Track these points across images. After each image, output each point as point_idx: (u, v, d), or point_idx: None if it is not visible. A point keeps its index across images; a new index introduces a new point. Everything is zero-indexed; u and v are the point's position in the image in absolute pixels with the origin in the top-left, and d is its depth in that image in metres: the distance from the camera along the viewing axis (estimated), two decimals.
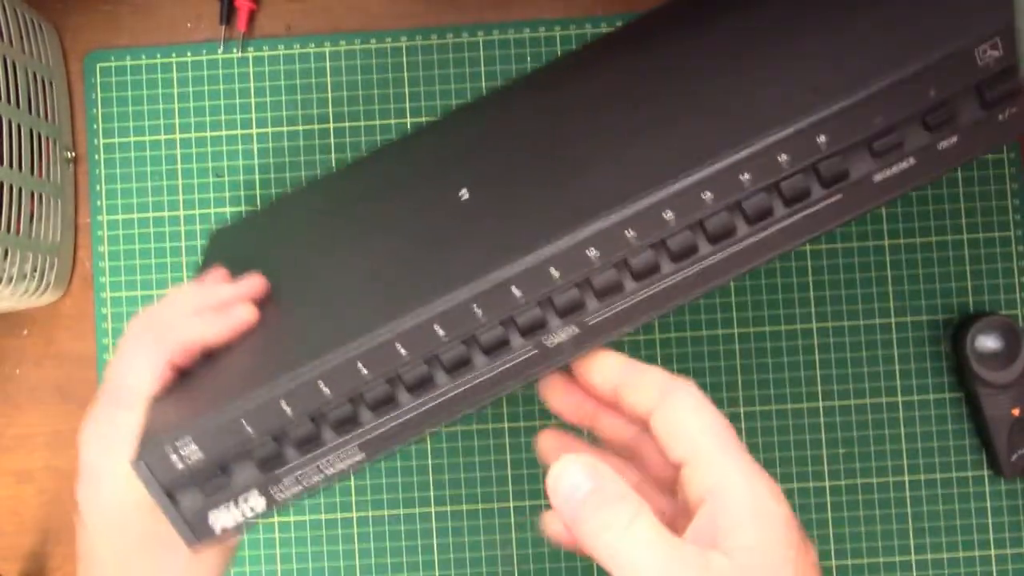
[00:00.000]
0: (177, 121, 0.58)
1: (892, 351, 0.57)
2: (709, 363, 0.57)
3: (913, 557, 0.56)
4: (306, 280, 0.39)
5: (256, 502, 0.30)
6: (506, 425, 0.57)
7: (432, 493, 0.57)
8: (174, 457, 0.29)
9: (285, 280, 0.40)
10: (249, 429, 0.29)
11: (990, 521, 0.56)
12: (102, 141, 0.59)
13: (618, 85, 0.43)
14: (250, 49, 0.59)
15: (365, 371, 0.29)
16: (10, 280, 0.52)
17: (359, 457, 0.30)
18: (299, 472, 0.30)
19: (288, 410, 0.29)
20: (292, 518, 0.57)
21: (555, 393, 0.33)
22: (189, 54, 0.59)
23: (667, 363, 0.57)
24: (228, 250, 0.49)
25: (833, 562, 0.56)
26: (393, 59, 0.59)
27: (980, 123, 0.30)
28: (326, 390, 0.29)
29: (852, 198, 0.30)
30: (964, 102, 0.29)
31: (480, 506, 0.57)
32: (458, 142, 0.48)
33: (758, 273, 0.57)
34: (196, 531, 0.30)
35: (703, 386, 0.57)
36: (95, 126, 0.59)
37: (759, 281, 0.57)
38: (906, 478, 0.56)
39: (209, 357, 0.36)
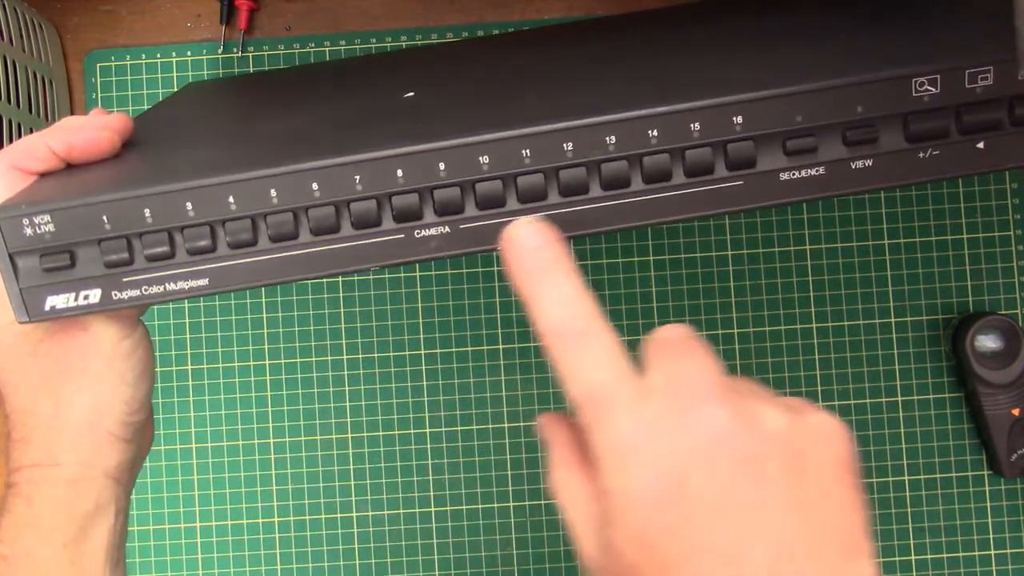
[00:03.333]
0: None
1: (892, 351, 0.57)
2: None
3: (913, 557, 0.56)
4: (221, 136, 0.39)
5: (93, 295, 0.31)
6: (506, 425, 0.57)
7: (432, 493, 0.57)
8: (27, 226, 0.30)
9: (206, 134, 0.40)
10: (107, 224, 0.30)
11: (990, 521, 0.56)
12: None
13: (584, 54, 0.44)
14: (250, 49, 0.59)
15: (234, 204, 0.30)
16: None
17: (203, 282, 0.31)
18: (142, 280, 0.31)
19: (149, 218, 0.30)
20: (292, 518, 0.57)
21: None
22: (189, 54, 0.59)
23: None
24: (184, 101, 0.50)
25: None
26: None
27: (899, 153, 0.29)
28: (191, 210, 0.30)
29: (753, 188, 0.30)
30: (889, 128, 0.29)
31: (480, 506, 0.57)
32: (428, 70, 0.49)
33: (758, 273, 0.57)
34: (29, 306, 0.31)
35: None
36: None
37: (759, 281, 0.57)
38: (906, 478, 0.56)
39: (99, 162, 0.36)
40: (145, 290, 0.31)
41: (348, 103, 0.41)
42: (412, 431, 0.57)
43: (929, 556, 0.56)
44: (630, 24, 0.50)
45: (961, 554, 0.56)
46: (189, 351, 0.57)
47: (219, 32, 0.59)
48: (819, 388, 0.57)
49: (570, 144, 0.29)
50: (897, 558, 0.56)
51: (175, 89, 0.58)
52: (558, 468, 0.27)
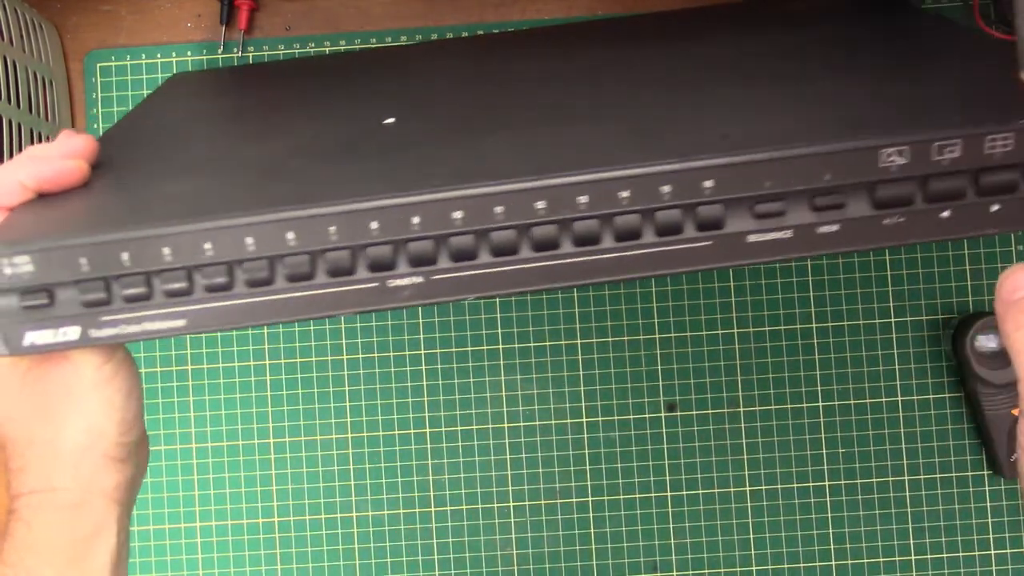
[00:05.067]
0: None
1: (892, 351, 0.57)
2: (709, 363, 0.57)
3: (913, 557, 0.56)
4: (199, 161, 0.39)
5: (71, 332, 0.31)
6: (506, 425, 0.57)
7: (432, 493, 0.57)
8: (6, 266, 0.30)
9: (185, 158, 0.40)
10: (86, 266, 0.30)
11: (990, 521, 0.56)
12: None
13: (566, 73, 0.44)
14: (250, 49, 0.59)
15: (210, 250, 0.30)
16: None
17: (180, 323, 0.31)
18: (120, 320, 0.31)
19: (127, 261, 0.30)
20: (292, 518, 0.57)
21: None
22: (189, 54, 0.59)
23: (667, 362, 0.57)
24: (166, 105, 0.50)
25: (833, 562, 0.56)
26: None
27: (865, 220, 0.30)
28: (168, 255, 0.30)
29: (721, 248, 0.30)
30: (856, 196, 0.30)
31: (480, 506, 0.57)
32: (412, 80, 0.48)
33: (758, 273, 0.57)
34: (8, 341, 0.31)
35: (703, 386, 0.58)
36: (95, 126, 0.59)
37: (759, 281, 0.57)
38: (906, 478, 0.56)
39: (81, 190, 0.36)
40: (123, 329, 0.31)
41: (328, 126, 0.41)
42: (412, 431, 0.57)
43: (929, 556, 0.56)
44: (615, 36, 0.50)
45: (961, 554, 0.56)
46: (189, 351, 0.57)
47: (219, 32, 0.59)
48: (819, 388, 0.57)
49: (542, 202, 0.29)
50: (897, 558, 0.56)
51: None
52: None
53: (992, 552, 0.56)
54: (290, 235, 0.30)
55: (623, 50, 0.46)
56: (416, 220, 0.30)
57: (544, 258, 0.30)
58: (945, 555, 0.56)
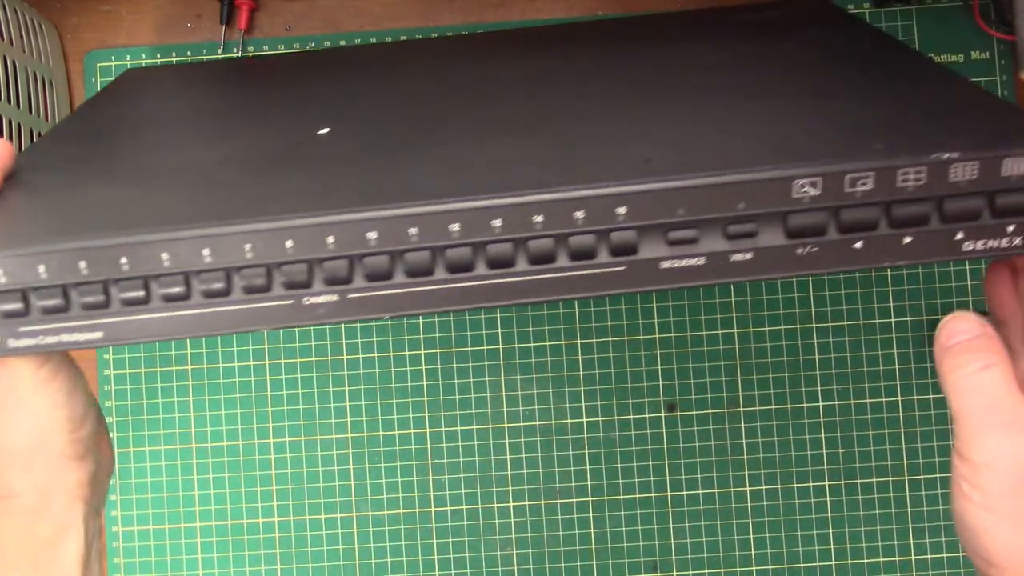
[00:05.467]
0: None
1: (892, 351, 0.57)
2: (709, 363, 0.57)
3: (913, 557, 0.56)
4: (126, 167, 0.39)
5: None
6: (506, 425, 0.57)
7: (432, 493, 0.57)
8: None
9: (115, 161, 0.40)
10: (2, 277, 0.31)
11: None
12: None
13: (510, 87, 0.44)
14: (250, 49, 0.59)
15: (126, 265, 0.30)
16: None
17: (97, 335, 0.31)
18: (37, 331, 0.31)
19: (44, 274, 0.30)
20: (292, 518, 0.57)
21: (996, 280, 0.36)
22: (189, 54, 0.59)
23: (666, 362, 0.57)
24: (118, 95, 0.50)
25: (833, 562, 0.56)
26: None
27: (778, 249, 0.30)
28: (84, 268, 0.30)
29: (635, 274, 0.30)
30: (769, 225, 0.30)
31: (480, 506, 0.57)
32: (358, 85, 0.48)
33: None
34: None
35: (703, 386, 0.58)
36: None
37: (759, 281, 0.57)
38: (906, 478, 0.56)
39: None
40: (40, 340, 0.31)
41: (265, 133, 0.41)
42: (412, 431, 0.57)
43: (929, 556, 0.56)
44: (568, 43, 0.50)
45: (961, 554, 0.56)
46: (189, 351, 0.57)
47: (219, 32, 0.59)
48: (819, 388, 0.57)
49: (457, 225, 0.30)
50: (897, 558, 0.56)
51: None
52: None
53: None
54: (206, 252, 0.30)
55: (572, 59, 0.46)
56: (331, 240, 0.30)
57: (458, 279, 0.31)
58: (945, 555, 0.56)
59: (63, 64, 0.59)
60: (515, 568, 0.57)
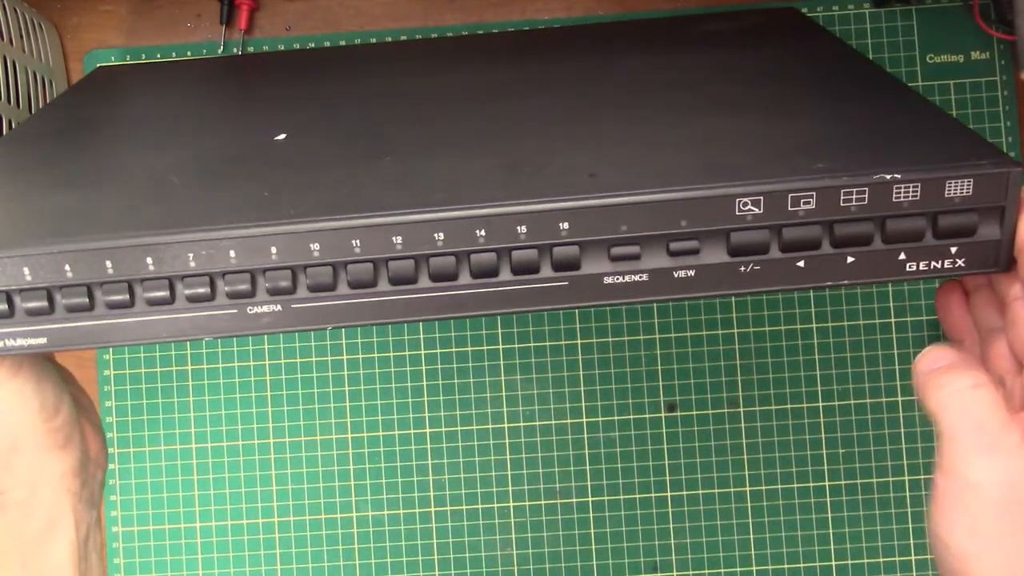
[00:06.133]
0: None
1: (892, 351, 0.57)
2: (709, 363, 0.57)
3: (913, 557, 0.56)
4: (81, 169, 0.39)
5: None
6: (506, 425, 0.57)
7: (432, 493, 0.57)
8: None
9: (71, 162, 0.40)
10: None
11: None
12: None
13: (485, 90, 0.44)
14: (250, 49, 0.59)
15: (69, 272, 0.31)
16: None
17: (41, 341, 0.32)
18: None
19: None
20: (292, 518, 0.57)
21: (947, 301, 0.36)
22: (189, 54, 0.59)
23: (666, 362, 0.57)
24: (84, 94, 0.50)
25: (833, 562, 0.56)
26: None
27: (721, 267, 0.30)
28: (28, 275, 0.31)
29: (578, 289, 0.31)
30: (712, 242, 0.30)
31: (480, 506, 0.57)
32: (324, 88, 0.48)
33: None
34: None
35: (703, 386, 0.58)
36: None
37: None
38: (906, 478, 0.56)
39: None
40: None
41: (223, 137, 0.41)
42: (412, 431, 0.57)
43: (929, 556, 0.56)
44: (534, 49, 0.50)
45: None
46: (189, 351, 0.57)
47: (219, 32, 0.59)
48: (819, 388, 0.57)
49: (399, 238, 0.30)
50: (897, 558, 0.56)
51: None
52: None
53: None
54: (148, 260, 0.31)
55: (533, 70, 0.46)
56: (274, 250, 0.30)
57: (401, 292, 0.31)
58: None
59: (63, 64, 0.59)
60: (515, 568, 0.57)
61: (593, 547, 0.57)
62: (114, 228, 0.31)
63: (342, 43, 0.59)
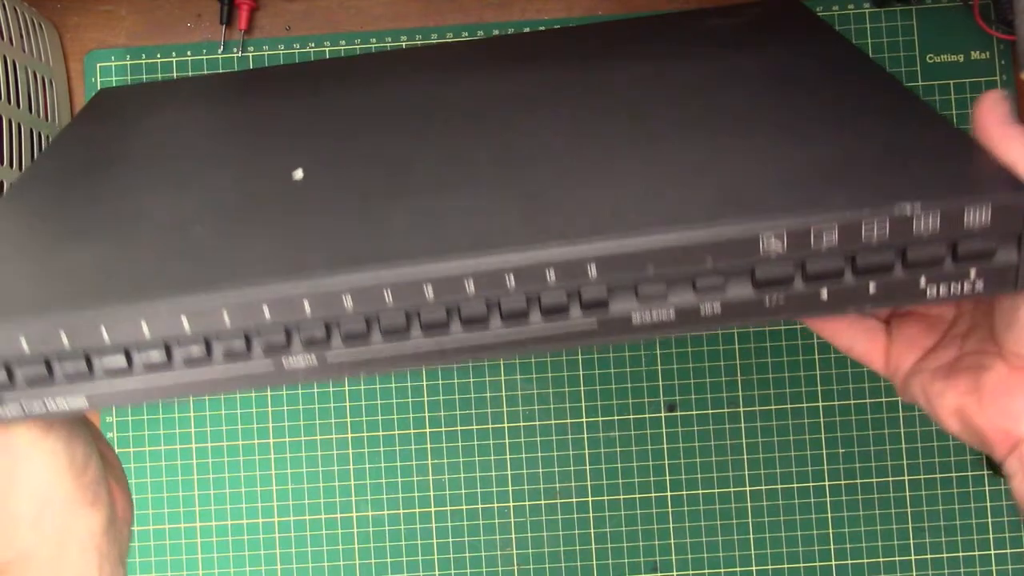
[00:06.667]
0: None
1: None
2: (709, 363, 0.57)
3: (913, 557, 0.56)
4: (100, 217, 0.39)
5: None
6: (506, 425, 0.57)
7: (432, 493, 0.57)
8: None
9: (86, 210, 0.40)
10: None
11: (990, 521, 0.56)
12: None
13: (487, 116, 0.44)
14: (250, 49, 0.59)
15: (107, 337, 0.31)
16: None
17: (81, 402, 0.32)
18: (22, 399, 0.32)
19: (25, 346, 0.31)
20: (292, 518, 0.57)
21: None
22: (189, 54, 0.59)
23: (666, 362, 0.57)
24: (95, 122, 0.50)
25: (833, 562, 0.56)
26: None
27: (746, 300, 0.31)
28: (66, 340, 0.31)
29: (606, 328, 0.31)
30: (737, 278, 0.30)
31: (480, 506, 0.57)
32: (324, 105, 0.48)
33: None
34: None
35: (703, 386, 0.58)
36: None
37: None
38: (906, 478, 0.56)
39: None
40: (25, 407, 0.32)
41: (239, 172, 0.41)
42: (412, 431, 0.57)
43: (929, 556, 0.56)
44: (551, 57, 0.49)
45: (961, 554, 0.56)
46: None
47: (219, 32, 0.59)
48: (819, 388, 0.57)
49: (430, 288, 0.30)
50: (897, 558, 0.56)
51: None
52: None
53: (992, 552, 0.56)
54: (184, 320, 0.31)
55: (534, 79, 0.46)
56: (307, 305, 0.30)
57: (434, 339, 0.31)
58: (945, 555, 0.56)
59: (63, 64, 0.59)
60: (515, 568, 0.57)
61: (593, 547, 0.57)
62: (148, 288, 0.31)
63: (342, 43, 0.59)
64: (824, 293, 0.30)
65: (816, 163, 0.33)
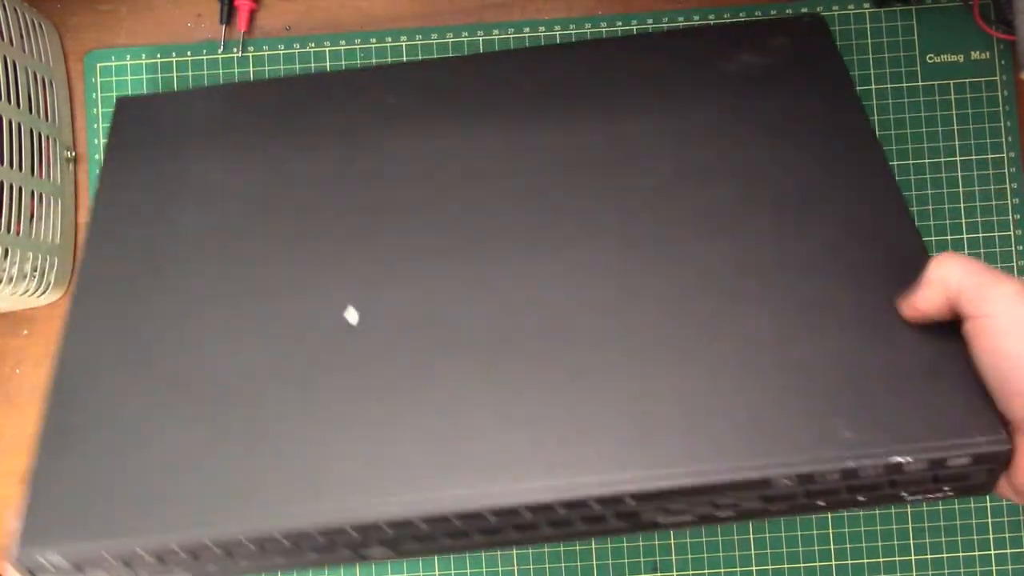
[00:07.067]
0: None
1: None
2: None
3: (913, 557, 0.56)
4: (166, 370, 0.43)
5: None
6: None
7: None
8: (41, 559, 0.37)
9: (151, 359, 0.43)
10: (109, 559, 0.37)
11: (990, 521, 0.56)
12: (102, 141, 0.59)
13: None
14: (250, 49, 0.59)
15: (217, 549, 0.37)
16: (10, 280, 0.52)
17: None
18: None
19: (143, 554, 0.36)
20: None
21: None
22: (189, 54, 0.59)
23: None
24: (137, 132, 0.52)
25: (833, 562, 0.56)
26: (393, 59, 0.59)
27: (757, 509, 0.37)
28: (177, 549, 0.36)
29: (635, 527, 0.37)
30: (749, 502, 0.36)
31: None
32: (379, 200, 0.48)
33: None
34: None
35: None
36: (95, 126, 0.59)
37: None
38: None
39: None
40: None
41: (283, 303, 0.44)
42: None
43: (929, 556, 0.56)
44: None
45: (961, 554, 0.56)
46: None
47: (219, 32, 0.59)
48: None
49: (493, 516, 0.36)
50: (897, 558, 0.56)
51: (175, 89, 0.59)
52: None
53: (992, 552, 0.56)
54: (279, 534, 0.36)
55: (525, 185, 0.47)
56: (387, 525, 0.36)
57: (492, 539, 0.37)
58: (945, 555, 0.56)
59: (63, 64, 0.59)
60: (515, 568, 0.57)
61: (593, 547, 0.57)
62: (246, 518, 0.37)
63: (342, 43, 0.59)
64: (821, 502, 0.36)
65: (819, 391, 0.37)
